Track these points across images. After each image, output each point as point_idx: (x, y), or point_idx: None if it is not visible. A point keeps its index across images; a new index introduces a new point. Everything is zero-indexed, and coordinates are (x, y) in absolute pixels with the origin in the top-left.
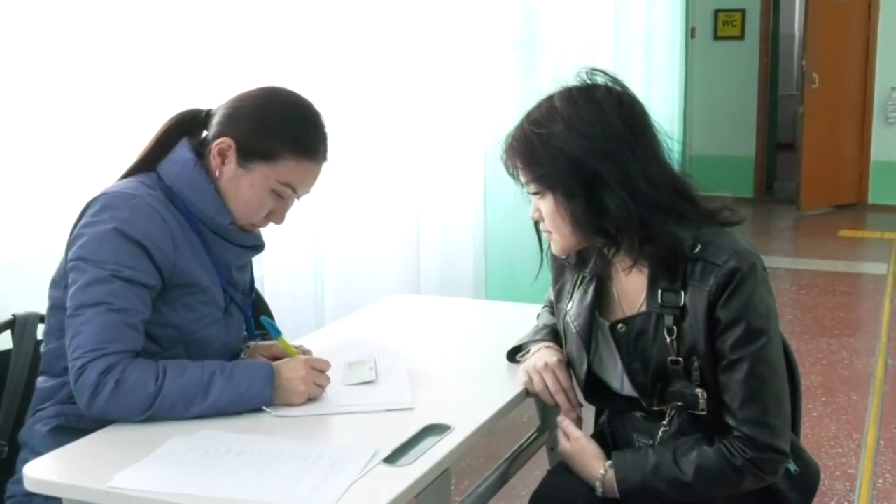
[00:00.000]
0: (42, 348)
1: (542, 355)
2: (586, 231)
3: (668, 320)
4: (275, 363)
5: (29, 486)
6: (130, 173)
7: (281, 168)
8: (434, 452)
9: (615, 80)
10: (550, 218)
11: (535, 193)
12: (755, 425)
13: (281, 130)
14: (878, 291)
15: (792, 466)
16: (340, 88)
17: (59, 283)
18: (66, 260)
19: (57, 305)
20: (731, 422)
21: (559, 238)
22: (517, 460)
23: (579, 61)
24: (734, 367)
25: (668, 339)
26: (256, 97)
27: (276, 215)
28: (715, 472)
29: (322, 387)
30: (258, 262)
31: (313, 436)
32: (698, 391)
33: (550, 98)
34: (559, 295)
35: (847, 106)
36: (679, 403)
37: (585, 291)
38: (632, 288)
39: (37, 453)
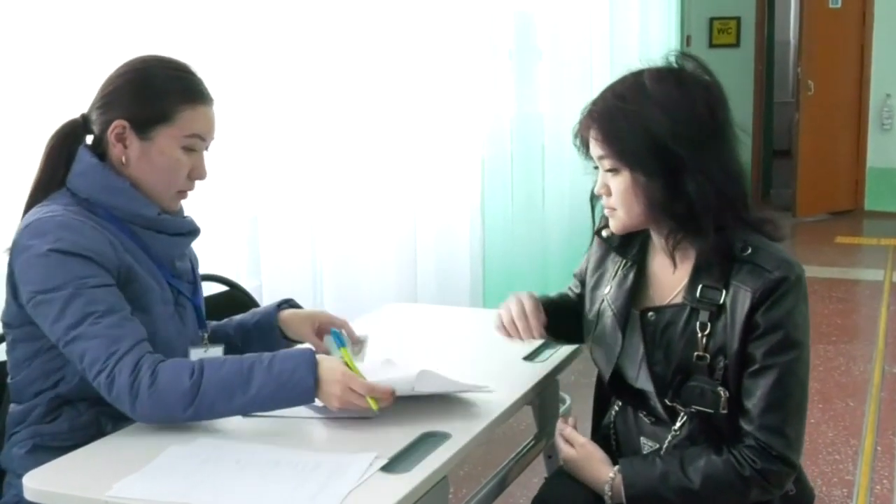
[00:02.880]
0: (9, 380)
1: (517, 294)
2: (659, 214)
3: (703, 315)
4: (319, 356)
5: (29, 496)
6: (34, 201)
7: (181, 122)
8: (432, 460)
9: (704, 68)
10: (622, 196)
11: (610, 170)
12: (772, 433)
13: (163, 89)
14: (875, 298)
15: (789, 486)
16: (339, 97)
17: (12, 322)
18: (14, 302)
19: (18, 339)
20: (747, 427)
21: (625, 216)
22: (515, 468)
23: (575, 69)
24: (762, 373)
25: (700, 335)
26: (123, 74)
27: (196, 170)
28: (722, 481)
29: (356, 404)
30: (256, 271)
31: (312, 444)
32: (720, 389)
33: (639, 74)
34: (599, 281)
35: (842, 113)
36: (694, 409)
37: (625, 276)
38: (667, 279)
39: (18, 476)
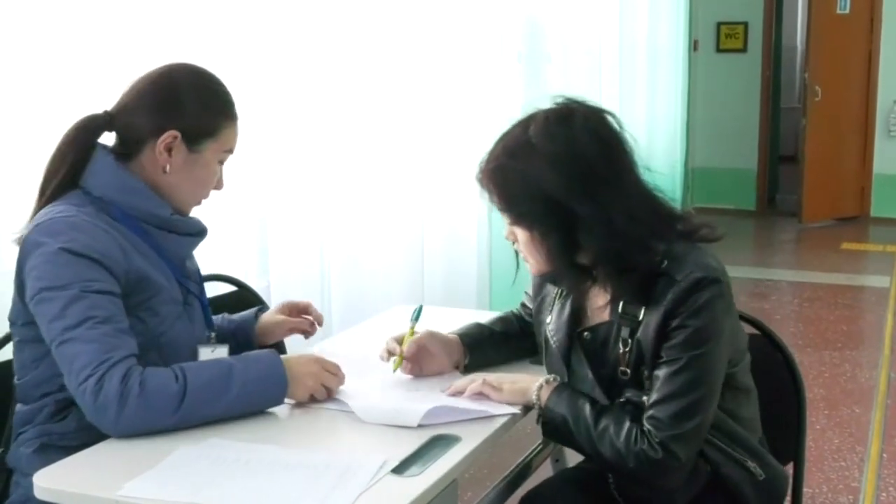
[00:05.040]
0: (16, 381)
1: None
2: (560, 266)
3: (625, 331)
4: (283, 357)
5: (39, 494)
6: (50, 198)
7: (223, 138)
8: (442, 463)
9: (591, 109)
10: (525, 247)
11: (511, 223)
12: (658, 423)
13: (213, 105)
14: (881, 304)
15: (758, 472)
16: (348, 99)
17: (17, 321)
18: (20, 300)
19: (25, 340)
20: (644, 415)
21: (535, 264)
22: (522, 472)
23: (585, 73)
24: (664, 365)
25: (622, 350)
26: (168, 80)
27: (220, 182)
28: (616, 443)
29: (330, 389)
30: (264, 271)
31: (322, 445)
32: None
33: (526, 127)
34: (540, 307)
35: (849, 119)
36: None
37: (563, 305)
38: (600, 298)
39: (26, 475)
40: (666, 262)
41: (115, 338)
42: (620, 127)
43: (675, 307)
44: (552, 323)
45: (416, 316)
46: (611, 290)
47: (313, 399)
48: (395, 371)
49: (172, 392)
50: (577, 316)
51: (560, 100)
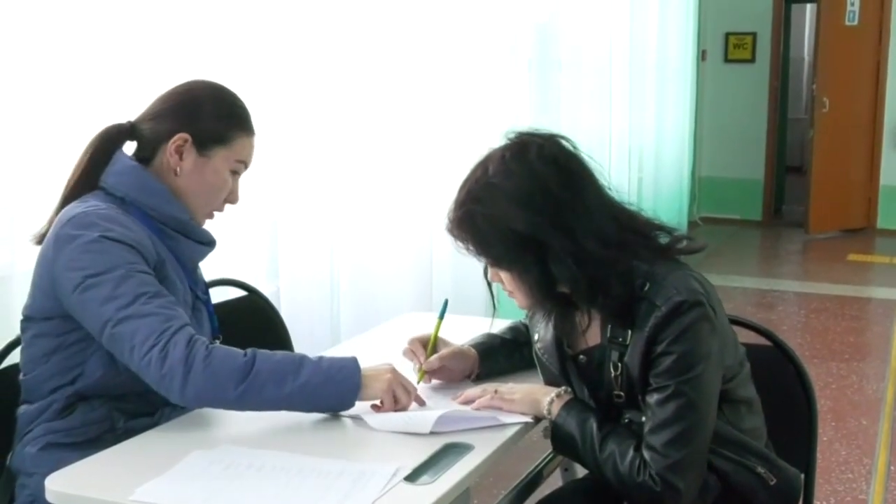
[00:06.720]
0: (21, 378)
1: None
2: (543, 298)
3: (615, 355)
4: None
5: (51, 498)
6: (70, 198)
7: (236, 147)
8: (455, 471)
9: (545, 138)
10: (511, 285)
11: (492, 266)
12: (655, 453)
13: (229, 113)
14: (888, 316)
15: (769, 477)
16: (359, 106)
17: (36, 315)
18: (48, 296)
19: (40, 334)
20: (643, 443)
21: (523, 298)
22: (533, 481)
23: (594, 82)
24: (655, 392)
25: (613, 374)
26: (188, 91)
27: (234, 194)
28: (620, 470)
29: (400, 402)
30: (274, 275)
31: (335, 453)
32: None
33: (485, 168)
34: (531, 322)
35: (857, 130)
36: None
37: (548, 324)
38: (588, 320)
39: (31, 475)
40: (648, 286)
41: (171, 309)
42: (575, 148)
43: (657, 333)
44: (540, 341)
45: (443, 312)
46: (597, 314)
47: (391, 404)
48: (418, 383)
49: (239, 364)
50: (559, 338)
51: (513, 134)
